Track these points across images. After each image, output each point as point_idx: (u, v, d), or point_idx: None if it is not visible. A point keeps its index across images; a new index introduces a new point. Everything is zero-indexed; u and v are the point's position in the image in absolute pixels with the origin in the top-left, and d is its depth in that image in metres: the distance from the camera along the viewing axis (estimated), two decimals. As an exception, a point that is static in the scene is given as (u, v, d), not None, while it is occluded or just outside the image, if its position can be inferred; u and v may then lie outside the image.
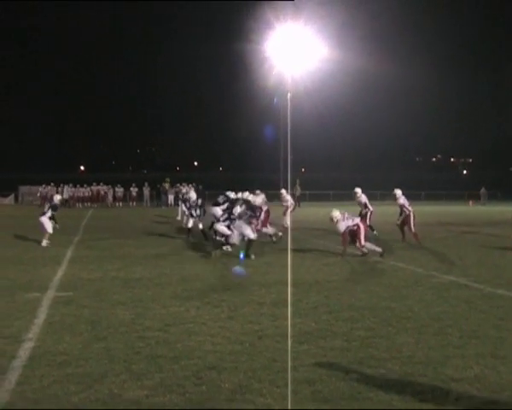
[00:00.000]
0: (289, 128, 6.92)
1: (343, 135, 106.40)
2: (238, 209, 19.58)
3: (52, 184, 57.78)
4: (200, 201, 23.17)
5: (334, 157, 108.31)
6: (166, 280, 13.78)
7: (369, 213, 23.71)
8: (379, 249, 17.79)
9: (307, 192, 63.14)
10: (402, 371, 7.29)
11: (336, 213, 18.19)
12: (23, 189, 62.97)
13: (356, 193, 24.38)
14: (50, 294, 12.08)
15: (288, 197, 28.99)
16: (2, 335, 8.90)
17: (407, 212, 22.14)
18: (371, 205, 24.20)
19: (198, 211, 22.88)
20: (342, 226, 18.05)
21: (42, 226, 21.45)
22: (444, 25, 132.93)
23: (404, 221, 22.26)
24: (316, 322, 9.74)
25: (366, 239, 18.13)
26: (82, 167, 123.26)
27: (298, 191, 54.04)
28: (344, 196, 51.95)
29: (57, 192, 44.23)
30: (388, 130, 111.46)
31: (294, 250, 18.91)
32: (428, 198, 72.94)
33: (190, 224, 22.90)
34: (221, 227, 19.29)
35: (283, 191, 29.70)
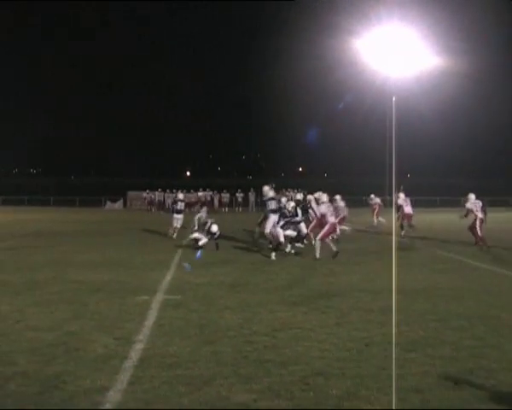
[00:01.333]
0: (394, 133, 6.79)
1: (447, 141, 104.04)
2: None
3: (159, 189, 59.03)
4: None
5: (441, 163, 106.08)
6: (273, 285, 13.88)
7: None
8: (318, 255, 18.55)
9: (413, 198, 61.96)
10: (514, 382, 7.09)
11: (324, 197, 20.19)
12: (131, 194, 64.45)
13: (398, 197, 26.86)
14: (159, 297, 12.36)
15: (377, 200, 31.66)
16: (114, 336, 9.18)
17: (474, 216, 22.27)
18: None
19: None
20: (322, 209, 19.74)
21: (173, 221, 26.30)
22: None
23: (472, 225, 22.40)
24: (424, 330, 9.61)
25: (324, 238, 19.00)
26: (188, 173, 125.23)
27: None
28: (450, 201, 50.89)
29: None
30: (494, 137, 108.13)
31: (401, 257, 18.69)
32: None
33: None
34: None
35: (372, 196, 32.63)
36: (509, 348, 8.58)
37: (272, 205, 21.02)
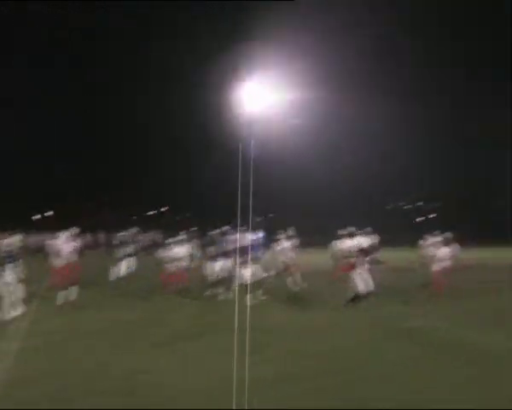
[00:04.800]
0: (252, 177, 6.95)
1: (308, 182, 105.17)
2: None
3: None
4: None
5: (303, 204, 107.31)
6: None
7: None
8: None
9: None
10: None
11: None
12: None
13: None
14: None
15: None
16: None
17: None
18: None
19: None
20: None
21: None
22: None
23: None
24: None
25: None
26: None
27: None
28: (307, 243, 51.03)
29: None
30: (357, 176, 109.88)
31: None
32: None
33: None
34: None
35: None
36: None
37: None
